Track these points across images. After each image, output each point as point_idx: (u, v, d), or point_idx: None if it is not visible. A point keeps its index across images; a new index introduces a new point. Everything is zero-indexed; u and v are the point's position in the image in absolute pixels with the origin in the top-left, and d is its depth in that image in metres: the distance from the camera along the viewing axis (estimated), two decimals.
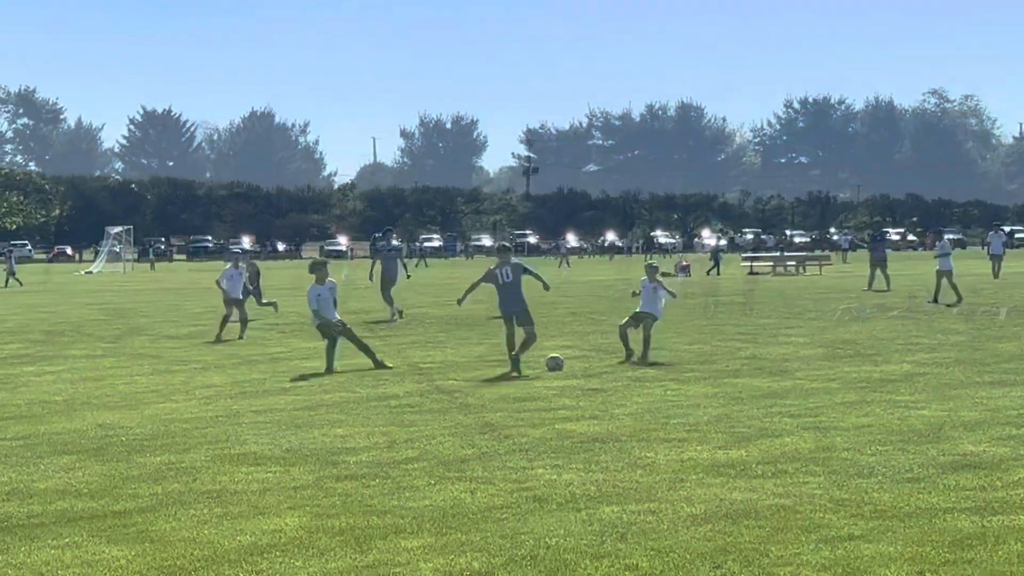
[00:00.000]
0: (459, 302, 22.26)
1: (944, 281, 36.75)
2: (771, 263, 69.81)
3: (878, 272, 43.99)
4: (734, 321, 30.20)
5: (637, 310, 22.15)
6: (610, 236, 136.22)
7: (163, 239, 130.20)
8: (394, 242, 35.63)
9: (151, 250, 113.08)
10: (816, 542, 8.88)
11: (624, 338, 21.77)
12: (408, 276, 34.86)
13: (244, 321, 28.43)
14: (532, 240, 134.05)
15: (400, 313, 32.76)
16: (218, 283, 29.48)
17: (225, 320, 28.25)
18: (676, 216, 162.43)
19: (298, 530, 9.53)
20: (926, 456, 12.10)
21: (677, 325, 29.16)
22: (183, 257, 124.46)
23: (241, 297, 29.14)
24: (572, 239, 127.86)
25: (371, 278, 34.12)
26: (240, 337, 27.34)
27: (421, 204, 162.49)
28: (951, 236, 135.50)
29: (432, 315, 34.57)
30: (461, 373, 20.23)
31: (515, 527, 9.50)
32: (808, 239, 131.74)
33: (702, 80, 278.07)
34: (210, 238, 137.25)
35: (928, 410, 15.12)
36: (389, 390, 18.15)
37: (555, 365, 19.92)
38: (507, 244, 22.74)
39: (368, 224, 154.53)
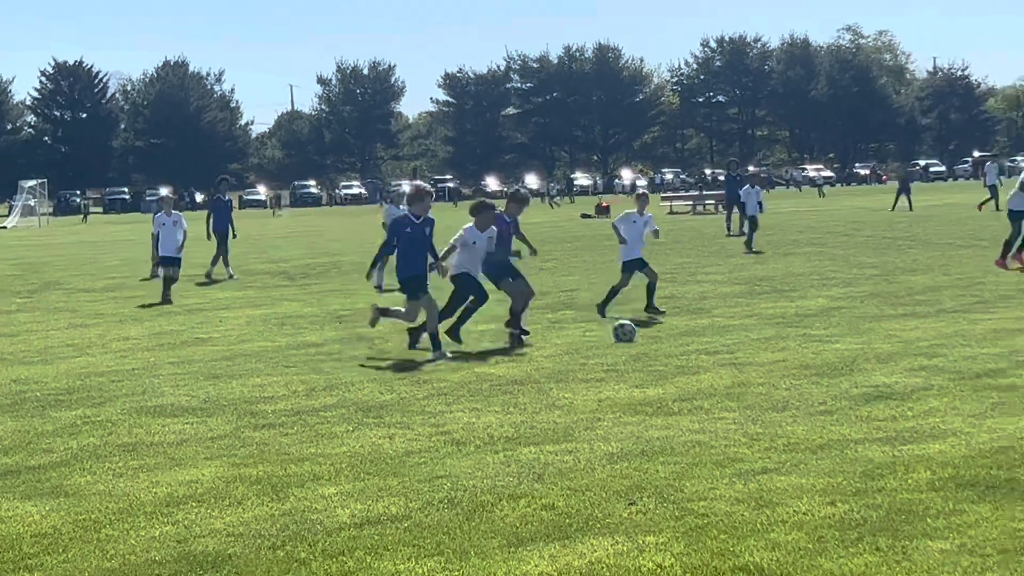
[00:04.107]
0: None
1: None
2: (690, 202, 70.11)
3: (735, 215, 40.70)
4: (653, 261, 30.28)
5: (628, 259, 19.83)
6: (529, 180, 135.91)
7: (79, 192, 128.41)
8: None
9: (81, 203, 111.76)
10: (730, 476, 8.98)
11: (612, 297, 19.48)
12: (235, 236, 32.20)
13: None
14: (452, 185, 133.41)
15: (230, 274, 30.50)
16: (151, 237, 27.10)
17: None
18: (596, 158, 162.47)
19: (215, 480, 9.50)
20: (839, 389, 12.26)
21: (597, 266, 29.25)
22: (99, 210, 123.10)
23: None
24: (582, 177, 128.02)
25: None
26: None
27: (340, 151, 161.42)
28: (864, 170, 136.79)
29: (351, 262, 34.46)
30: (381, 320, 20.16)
31: (433, 471, 9.53)
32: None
33: (619, 21, 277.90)
34: (126, 190, 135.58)
35: (842, 343, 15.30)
36: (308, 338, 18.09)
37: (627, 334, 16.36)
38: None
39: (287, 172, 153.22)
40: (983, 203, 49.45)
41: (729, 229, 41.44)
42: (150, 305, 24.04)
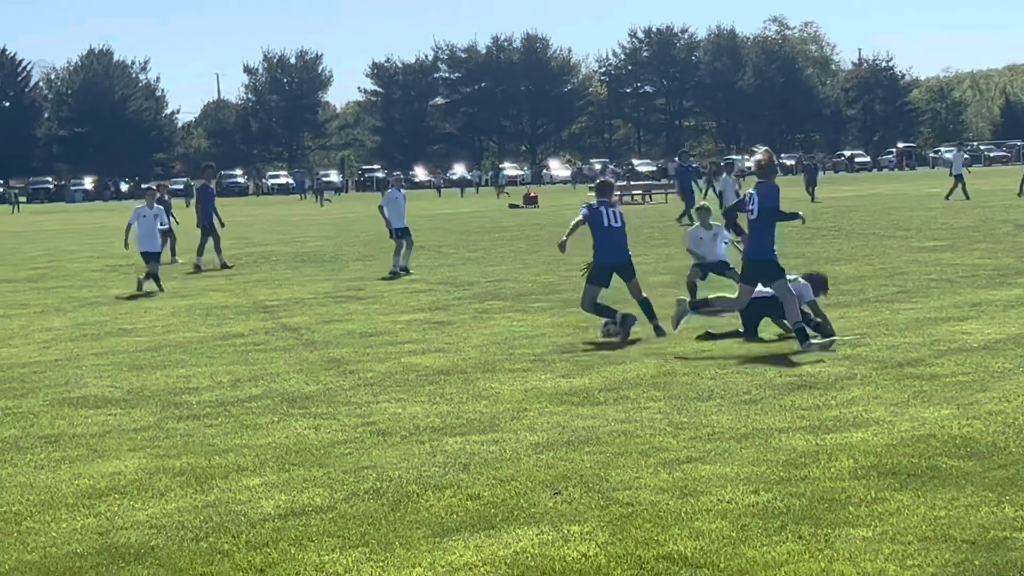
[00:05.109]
0: (561, 246, 18.10)
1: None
2: (617, 193, 70.28)
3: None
4: (580, 252, 30.36)
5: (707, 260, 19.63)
6: (459, 169, 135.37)
7: (2, 182, 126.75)
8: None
9: (11, 193, 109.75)
10: (655, 465, 9.02)
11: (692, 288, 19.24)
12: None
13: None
14: (380, 175, 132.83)
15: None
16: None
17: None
18: (524, 148, 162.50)
19: (138, 472, 9.42)
20: (764, 378, 12.34)
21: (523, 256, 29.26)
22: (23, 200, 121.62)
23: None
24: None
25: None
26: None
27: (267, 140, 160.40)
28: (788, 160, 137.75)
29: (279, 252, 34.31)
30: (307, 310, 20.12)
31: (358, 461, 9.50)
32: (654, 168, 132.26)
33: (547, 10, 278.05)
34: (50, 179, 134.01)
35: (766, 333, 15.40)
36: (234, 329, 17.98)
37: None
38: (609, 179, 19.18)
39: (214, 161, 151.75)
40: (950, 192, 49.83)
41: (681, 220, 41.92)
42: (144, 294, 23.83)
